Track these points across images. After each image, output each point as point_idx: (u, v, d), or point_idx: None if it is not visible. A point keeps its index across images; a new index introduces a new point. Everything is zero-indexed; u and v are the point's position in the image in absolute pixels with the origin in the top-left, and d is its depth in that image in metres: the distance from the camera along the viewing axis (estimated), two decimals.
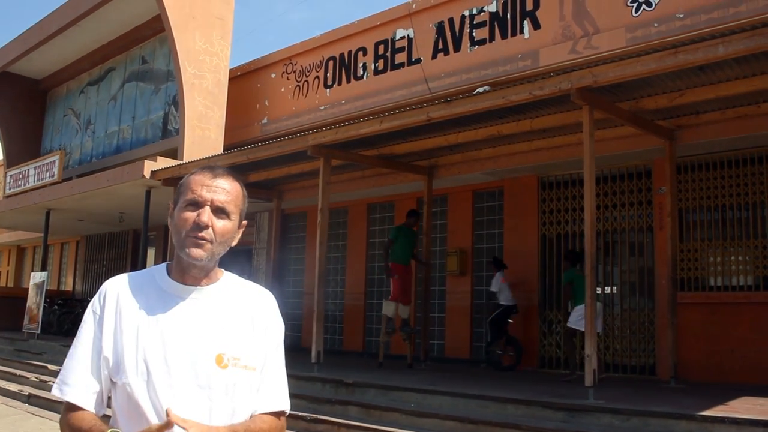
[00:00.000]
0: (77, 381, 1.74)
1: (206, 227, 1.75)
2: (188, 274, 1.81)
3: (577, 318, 9.08)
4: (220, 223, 1.78)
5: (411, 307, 11.09)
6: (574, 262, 9.75)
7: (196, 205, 1.77)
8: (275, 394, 1.84)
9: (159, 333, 1.73)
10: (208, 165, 1.91)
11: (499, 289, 10.76)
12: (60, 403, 1.78)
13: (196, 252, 1.75)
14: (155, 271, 1.86)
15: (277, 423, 1.82)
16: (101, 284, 1.87)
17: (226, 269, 1.91)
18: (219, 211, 1.78)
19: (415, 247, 11.26)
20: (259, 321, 1.86)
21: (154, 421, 1.68)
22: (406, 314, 10.95)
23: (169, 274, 1.83)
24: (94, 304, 1.81)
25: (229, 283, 1.89)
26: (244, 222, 1.88)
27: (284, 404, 1.85)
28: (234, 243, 1.86)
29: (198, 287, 1.82)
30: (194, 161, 12.34)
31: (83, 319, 1.81)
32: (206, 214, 1.76)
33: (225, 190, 1.80)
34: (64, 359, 1.79)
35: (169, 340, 1.72)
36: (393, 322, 10.94)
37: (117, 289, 1.81)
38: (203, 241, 1.75)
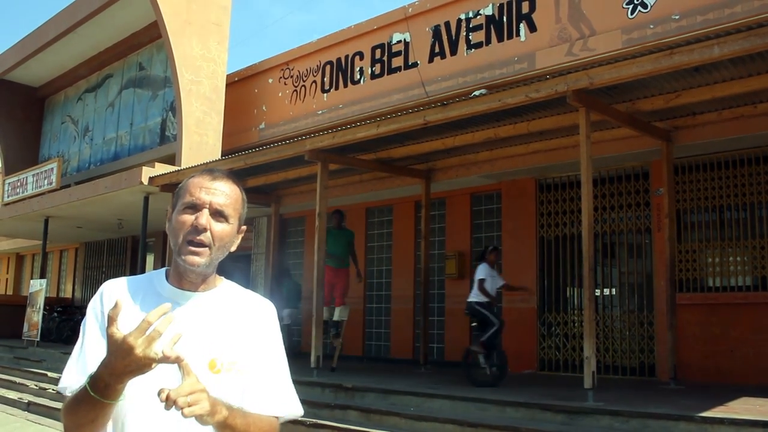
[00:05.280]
0: (77, 374, 1.70)
1: (204, 230, 1.73)
2: (185, 279, 1.79)
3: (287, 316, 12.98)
4: (219, 227, 1.75)
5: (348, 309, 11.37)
6: (288, 275, 14.01)
7: (194, 207, 1.74)
8: (272, 397, 1.79)
9: None
10: (208, 168, 1.87)
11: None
12: (59, 410, 1.76)
13: (193, 259, 1.73)
14: (154, 276, 1.84)
15: (271, 423, 1.77)
16: None
17: (228, 274, 1.90)
18: (218, 215, 1.75)
19: (347, 249, 11.27)
20: (257, 327, 1.83)
21: (139, 421, 1.67)
22: (338, 316, 11.01)
23: (167, 279, 1.82)
24: (94, 303, 1.79)
25: (227, 290, 1.87)
26: (244, 227, 1.85)
27: (279, 409, 1.79)
28: (233, 248, 1.82)
29: (195, 293, 1.80)
30: (192, 167, 12.34)
31: (84, 320, 1.79)
32: (204, 217, 1.73)
33: (224, 193, 1.77)
34: (64, 366, 1.78)
35: (162, 344, 1.69)
36: (327, 324, 10.91)
37: (115, 290, 1.80)
38: (201, 248, 1.73)
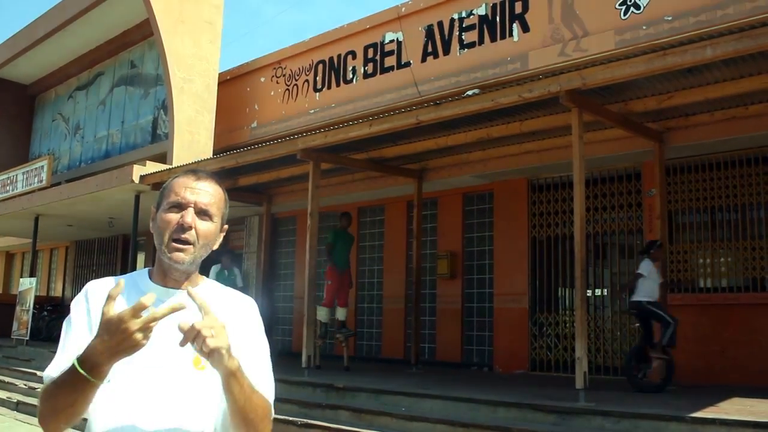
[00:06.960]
0: (63, 364, 1.67)
1: (189, 228, 1.77)
2: (169, 277, 1.82)
3: None
4: (203, 225, 1.79)
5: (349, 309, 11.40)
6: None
7: (180, 206, 1.78)
8: (261, 382, 1.76)
9: None
10: (192, 168, 1.90)
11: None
12: None
13: (179, 256, 1.76)
14: (137, 275, 1.87)
15: (267, 402, 1.75)
16: None
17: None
18: (202, 213, 1.80)
19: (350, 252, 11.40)
20: (240, 324, 1.82)
21: (121, 418, 1.66)
22: (343, 316, 11.06)
23: (150, 278, 1.84)
24: (77, 301, 1.80)
25: (209, 288, 1.89)
26: (226, 226, 1.89)
27: (270, 397, 1.77)
28: (215, 246, 1.86)
29: (178, 290, 1.81)
30: (183, 165, 12.28)
31: (69, 318, 1.78)
32: (190, 216, 1.77)
33: (208, 192, 1.82)
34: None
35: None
36: (326, 326, 11.01)
37: (99, 289, 1.80)
38: (186, 245, 1.76)
